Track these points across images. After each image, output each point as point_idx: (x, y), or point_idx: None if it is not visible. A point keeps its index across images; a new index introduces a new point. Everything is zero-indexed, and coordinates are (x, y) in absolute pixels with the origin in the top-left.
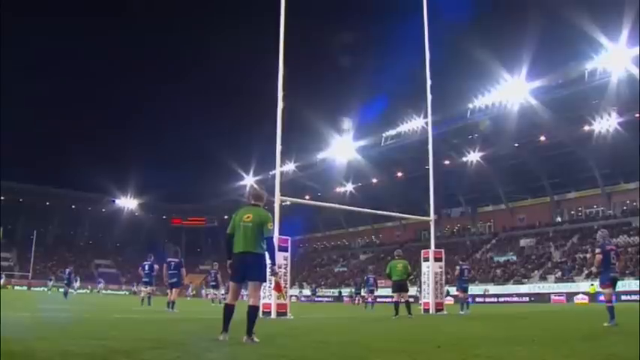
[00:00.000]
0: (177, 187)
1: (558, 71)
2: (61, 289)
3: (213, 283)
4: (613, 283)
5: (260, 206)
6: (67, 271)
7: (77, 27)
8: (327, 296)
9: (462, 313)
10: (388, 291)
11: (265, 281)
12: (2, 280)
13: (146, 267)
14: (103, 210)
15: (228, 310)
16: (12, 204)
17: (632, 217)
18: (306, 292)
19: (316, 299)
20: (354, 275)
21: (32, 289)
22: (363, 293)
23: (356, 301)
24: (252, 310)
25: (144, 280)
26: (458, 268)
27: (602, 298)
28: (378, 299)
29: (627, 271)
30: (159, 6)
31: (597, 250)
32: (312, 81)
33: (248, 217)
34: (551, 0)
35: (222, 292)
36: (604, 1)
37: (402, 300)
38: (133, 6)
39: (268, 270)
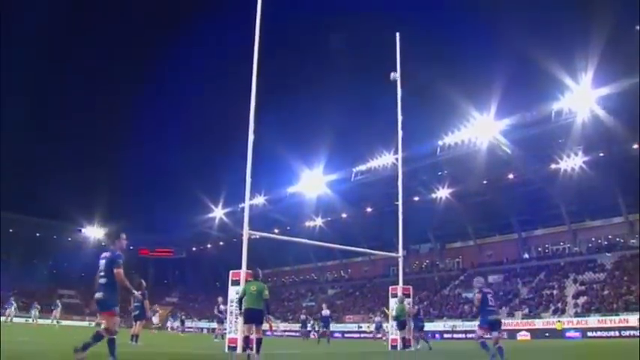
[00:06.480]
0: (145, 217)
1: (526, 110)
2: (23, 319)
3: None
4: (493, 326)
5: (259, 280)
6: (9, 297)
7: (49, 51)
8: (295, 330)
9: (418, 347)
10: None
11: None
12: None
13: None
14: (69, 239)
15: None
16: None
17: (598, 254)
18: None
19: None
20: (321, 310)
21: None
22: (317, 328)
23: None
24: (258, 339)
25: None
26: (416, 307)
27: (472, 335)
28: (346, 335)
29: (593, 307)
30: (133, 39)
31: (476, 291)
32: (283, 114)
33: (254, 288)
34: (520, 41)
35: (226, 327)
36: (570, 44)
37: (401, 336)
38: (107, 41)
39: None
